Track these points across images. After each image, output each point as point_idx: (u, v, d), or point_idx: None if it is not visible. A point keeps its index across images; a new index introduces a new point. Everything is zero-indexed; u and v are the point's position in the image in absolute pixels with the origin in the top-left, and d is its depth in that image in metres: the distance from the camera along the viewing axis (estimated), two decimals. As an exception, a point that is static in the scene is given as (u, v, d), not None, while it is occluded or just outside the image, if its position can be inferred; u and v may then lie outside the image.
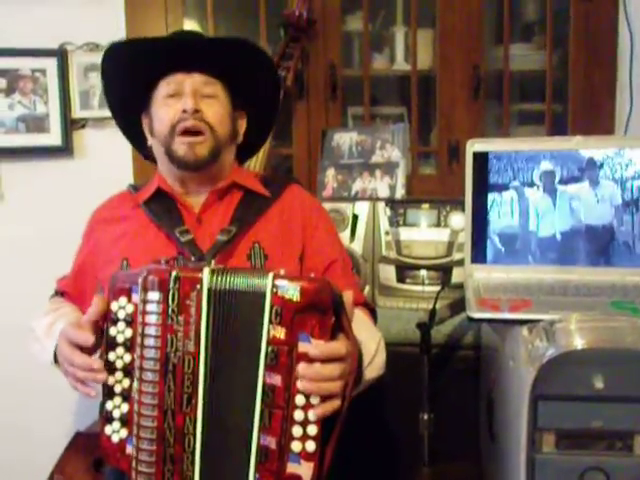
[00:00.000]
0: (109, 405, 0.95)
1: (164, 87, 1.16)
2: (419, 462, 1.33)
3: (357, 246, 1.65)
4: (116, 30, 1.80)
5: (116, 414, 0.94)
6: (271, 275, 0.87)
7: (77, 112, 1.80)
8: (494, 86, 1.99)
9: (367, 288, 1.66)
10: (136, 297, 0.92)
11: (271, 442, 0.85)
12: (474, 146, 1.20)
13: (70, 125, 1.81)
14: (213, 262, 1.02)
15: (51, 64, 1.79)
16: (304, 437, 0.85)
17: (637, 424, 0.88)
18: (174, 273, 0.90)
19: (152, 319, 0.90)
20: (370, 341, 1.05)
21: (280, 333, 0.85)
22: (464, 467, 1.35)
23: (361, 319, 1.10)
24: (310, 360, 0.85)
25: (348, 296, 0.91)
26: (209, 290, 0.89)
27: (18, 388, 1.85)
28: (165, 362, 0.90)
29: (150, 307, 0.90)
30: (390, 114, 2.07)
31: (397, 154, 1.77)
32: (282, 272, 0.89)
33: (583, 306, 0.98)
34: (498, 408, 1.06)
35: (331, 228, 1.27)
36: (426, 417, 1.31)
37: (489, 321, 1.05)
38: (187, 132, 1.12)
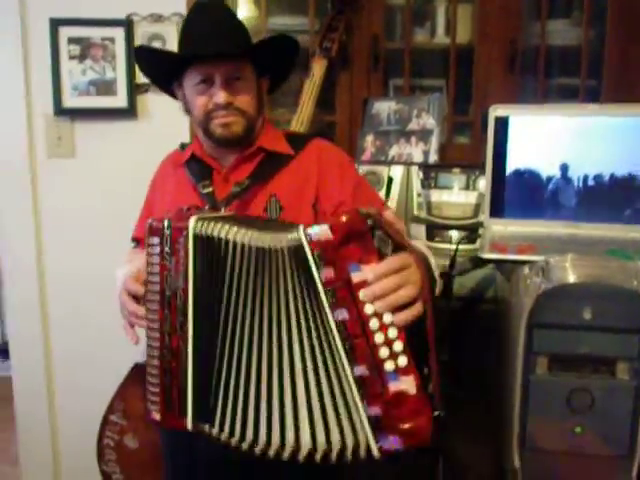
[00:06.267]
0: None
1: (193, 74, 1.21)
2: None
3: (391, 206, 1.77)
4: (177, 1, 1.96)
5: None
6: (300, 227, 0.88)
7: (141, 77, 1.92)
8: (532, 61, 2.05)
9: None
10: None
11: (364, 371, 0.86)
12: (496, 111, 1.32)
13: (135, 89, 1.96)
14: (223, 209, 1.16)
15: (119, 33, 1.93)
16: (393, 355, 0.84)
17: (620, 351, 1.00)
18: (166, 221, 1.01)
19: (154, 259, 1.02)
20: (419, 245, 1.06)
21: (330, 272, 0.86)
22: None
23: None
24: (369, 285, 0.85)
25: (387, 213, 0.92)
26: (195, 236, 0.99)
27: (89, 323, 2.08)
28: (162, 294, 1.02)
29: (152, 249, 1.02)
30: (430, 86, 2.15)
31: (432, 122, 1.88)
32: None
33: (583, 253, 1.09)
34: (503, 338, 1.19)
35: (346, 172, 1.28)
36: (446, 358, 1.46)
37: (497, 261, 1.18)
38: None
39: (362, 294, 0.85)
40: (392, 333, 0.84)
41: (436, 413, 0.85)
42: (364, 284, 0.84)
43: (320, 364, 0.90)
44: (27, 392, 2.13)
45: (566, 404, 1.02)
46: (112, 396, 1.85)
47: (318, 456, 0.92)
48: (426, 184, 1.76)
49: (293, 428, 0.93)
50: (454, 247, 1.74)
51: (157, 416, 1.06)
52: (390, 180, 1.79)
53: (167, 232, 1.01)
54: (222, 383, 1.00)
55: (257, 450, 0.96)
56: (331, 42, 1.90)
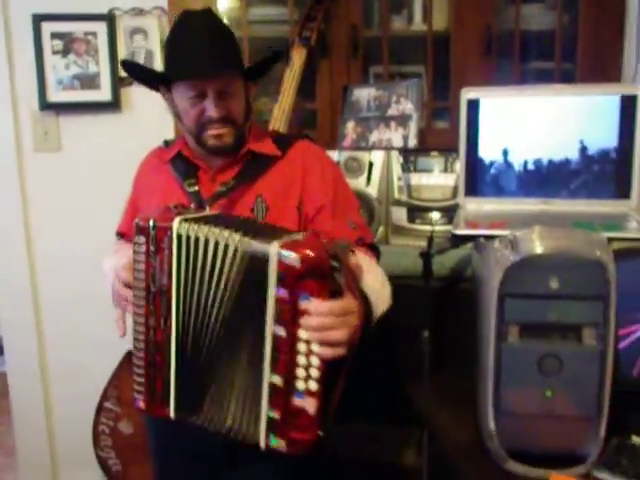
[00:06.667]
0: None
1: (182, 87, 1.22)
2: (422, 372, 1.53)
3: (372, 190, 1.84)
4: (158, -4, 1.99)
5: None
6: (276, 243, 0.95)
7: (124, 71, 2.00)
8: (508, 45, 2.10)
9: (381, 228, 1.85)
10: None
11: (278, 380, 0.97)
12: (468, 94, 1.37)
13: (118, 82, 1.99)
14: (208, 208, 1.20)
15: (101, 28, 1.96)
16: (307, 378, 0.95)
17: (586, 318, 1.05)
18: (151, 221, 1.05)
19: (140, 257, 1.07)
20: (373, 281, 1.12)
21: (285, 293, 0.95)
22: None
23: (362, 260, 1.13)
24: (311, 315, 0.94)
25: (352, 258, 1.02)
26: (179, 236, 1.04)
27: (80, 310, 2.13)
28: (147, 290, 1.07)
29: (138, 247, 1.07)
30: (409, 72, 2.18)
31: (411, 107, 1.92)
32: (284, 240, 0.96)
33: (551, 226, 1.14)
34: (477, 310, 1.24)
35: (327, 174, 1.30)
36: (427, 334, 1.52)
37: (470, 237, 1.23)
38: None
39: (302, 321, 0.94)
40: (314, 361, 0.95)
41: (320, 433, 0.98)
42: (307, 313, 0.94)
43: (252, 365, 1.01)
44: (22, 385, 2.17)
45: (537, 369, 1.07)
46: (106, 384, 1.90)
47: (224, 431, 1.05)
48: (406, 168, 1.81)
49: (224, 409, 1.06)
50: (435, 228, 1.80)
51: (142, 405, 1.12)
52: (371, 165, 1.84)
53: (152, 232, 1.06)
54: (200, 376, 1.07)
55: (198, 421, 1.08)
56: (310, 31, 1.94)
